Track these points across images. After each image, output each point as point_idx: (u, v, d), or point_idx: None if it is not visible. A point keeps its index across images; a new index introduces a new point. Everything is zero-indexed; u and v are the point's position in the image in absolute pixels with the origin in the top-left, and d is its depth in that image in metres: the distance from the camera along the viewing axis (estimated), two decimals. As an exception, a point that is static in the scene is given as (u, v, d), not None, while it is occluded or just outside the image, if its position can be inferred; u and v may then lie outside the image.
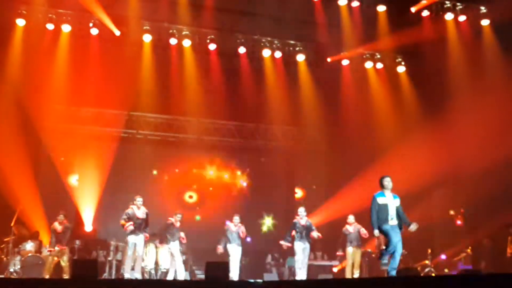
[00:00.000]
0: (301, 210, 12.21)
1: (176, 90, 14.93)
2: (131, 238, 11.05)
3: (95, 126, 14.98)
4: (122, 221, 11.09)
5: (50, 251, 11.81)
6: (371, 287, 7.41)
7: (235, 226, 12.07)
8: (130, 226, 10.97)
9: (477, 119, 13.42)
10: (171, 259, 12.05)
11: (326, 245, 14.45)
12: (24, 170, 13.49)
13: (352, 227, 12.35)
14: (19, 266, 11.64)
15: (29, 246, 12.14)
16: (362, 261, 12.58)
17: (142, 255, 11.42)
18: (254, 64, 15.28)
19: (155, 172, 16.31)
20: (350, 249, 12.18)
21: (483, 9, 13.95)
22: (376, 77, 15.64)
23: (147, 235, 11.35)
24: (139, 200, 11.29)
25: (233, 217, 12.20)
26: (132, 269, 11.30)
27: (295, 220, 12.07)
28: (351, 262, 12.20)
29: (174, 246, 11.84)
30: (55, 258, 11.85)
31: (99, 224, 14.62)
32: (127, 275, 10.94)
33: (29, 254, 11.81)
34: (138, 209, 11.21)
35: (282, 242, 12.14)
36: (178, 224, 11.94)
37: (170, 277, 11.69)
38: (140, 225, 11.14)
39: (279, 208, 16.85)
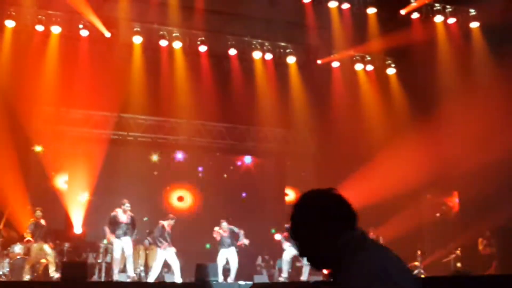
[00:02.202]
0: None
1: (166, 92, 14.88)
2: (117, 242, 11.06)
3: (85, 128, 14.89)
4: (106, 228, 11.25)
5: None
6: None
7: (224, 232, 12.02)
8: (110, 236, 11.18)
9: (467, 120, 13.51)
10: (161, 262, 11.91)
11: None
12: (13, 172, 13.40)
13: None
14: (7, 269, 11.56)
15: (18, 248, 12.04)
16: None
17: (131, 254, 11.35)
18: (244, 66, 15.28)
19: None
20: None
21: (472, 11, 14.06)
22: (366, 79, 15.70)
23: (132, 238, 11.32)
24: (126, 204, 11.30)
25: (221, 223, 12.14)
26: (123, 271, 11.26)
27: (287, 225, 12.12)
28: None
29: (167, 251, 11.67)
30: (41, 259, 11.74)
31: (88, 226, 14.53)
32: (116, 277, 10.92)
33: (18, 257, 11.72)
34: (124, 213, 11.19)
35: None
36: (168, 228, 11.76)
37: (177, 278, 11.49)
38: (124, 229, 11.13)
39: (270, 209, 16.83)
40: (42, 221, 11.88)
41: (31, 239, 11.64)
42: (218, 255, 11.87)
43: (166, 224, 11.72)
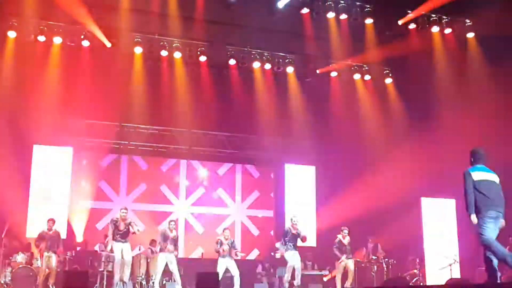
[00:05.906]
0: (294, 219, 12.29)
1: (167, 101, 15.03)
2: (116, 245, 11.24)
3: (86, 137, 15.02)
4: (109, 235, 11.43)
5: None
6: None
7: (226, 240, 12.07)
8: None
9: (463, 128, 13.67)
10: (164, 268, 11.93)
11: (316, 255, 14.59)
12: (15, 181, 13.52)
13: (346, 239, 12.53)
14: (9, 278, 11.64)
15: (20, 257, 12.15)
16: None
17: (129, 261, 11.46)
18: (244, 76, 15.43)
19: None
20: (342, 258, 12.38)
21: (468, 22, 14.22)
22: (364, 88, 15.87)
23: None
24: (123, 212, 11.48)
25: (224, 232, 12.25)
26: (121, 280, 11.33)
27: (286, 228, 12.25)
28: (342, 272, 12.37)
29: (167, 257, 11.73)
30: (47, 270, 11.83)
31: (90, 235, 14.64)
32: (119, 283, 11.04)
33: (20, 266, 11.81)
34: (123, 221, 11.36)
35: (278, 245, 12.28)
36: (173, 234, 11.73)
37: (177, 286, 11.56)
38: (123, 236, 11.31)
39: (269, 218, 16.95)
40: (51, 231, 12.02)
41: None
42: (217, 264, 11.91)
43: (168, 228, 11.81)
